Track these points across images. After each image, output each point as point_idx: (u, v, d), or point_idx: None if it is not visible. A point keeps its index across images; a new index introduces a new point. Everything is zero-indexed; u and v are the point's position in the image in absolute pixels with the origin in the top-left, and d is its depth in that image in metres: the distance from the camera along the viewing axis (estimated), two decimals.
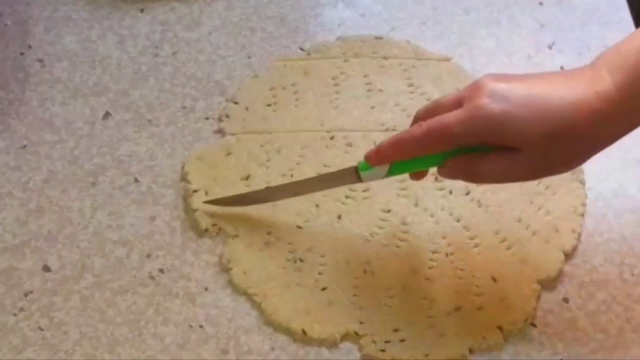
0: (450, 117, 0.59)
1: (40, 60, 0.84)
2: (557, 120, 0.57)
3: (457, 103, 0.60)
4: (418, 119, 0.63)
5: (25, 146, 0.78)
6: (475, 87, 0.59)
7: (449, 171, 0.63)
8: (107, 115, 0.80)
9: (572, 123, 0.57)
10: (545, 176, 0.62)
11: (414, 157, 0.62)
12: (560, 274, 0.70)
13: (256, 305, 0.69)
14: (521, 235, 0.72)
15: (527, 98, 0.58)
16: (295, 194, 0.71)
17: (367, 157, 0.64)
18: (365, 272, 0.70)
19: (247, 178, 0.75)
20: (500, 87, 0.58)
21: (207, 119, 0.80)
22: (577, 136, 0.58)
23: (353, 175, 0.66)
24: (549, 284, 0.70)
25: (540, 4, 0.90)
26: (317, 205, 0.73)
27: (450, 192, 0.74)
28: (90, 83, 0.82)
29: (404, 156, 0.63)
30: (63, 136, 0.78)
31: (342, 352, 0.67)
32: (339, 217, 0.73)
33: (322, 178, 0.70)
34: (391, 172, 0.64)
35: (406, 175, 0.75)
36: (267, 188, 0.72)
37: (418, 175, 0.66)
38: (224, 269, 0.70)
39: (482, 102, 0.58)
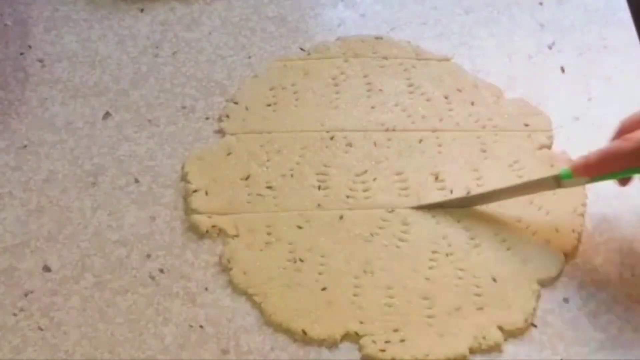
0: None
1: (40, 60, 0.84)
2: None
3: None
4: (623, 129, 0.62)
5: (25, 146, 0.78)
6: None
7: None
8: (107, 115, 0.80)
9: None
10: None
11: (622, 170, 0.63)
12: (560, 274, 0.70)
13: (256, 305, 0.68)
14: (521, 235, 0.72)
15: None
16: (492, 200, 0.72)
17: (575, 170, 0.65)
18: (365, 272, 0.70)
19: (247, 178, 0.75)
20: None
21: (207, 119, 0.80)
22: None
23: (553, 182, 0.68)
24: (549, 284, 0.70)
25: (540, 4, 0.90)
26: (318, 205, 0.73)
27: (451, 192, 0.74)
28: (90, 83, 0.82)
29: (612, 169, 0.63)
30: (63, 136, 0.78)
31: (342, 352, 0.67)
32: (340, 217, 0.73)
33: (522, 186, 0.70)
34: (595, 179, 0.65)
35: (407, 175, 0.75)
36: (465, 197, 0.73)
37: (625, 181, 0.66)
38: (224, 269, 0.70)
39: None
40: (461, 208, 0.73)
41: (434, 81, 0.82)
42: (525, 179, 0.74)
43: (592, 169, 0.64)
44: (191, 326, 0.67)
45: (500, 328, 0.67)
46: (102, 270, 0.70)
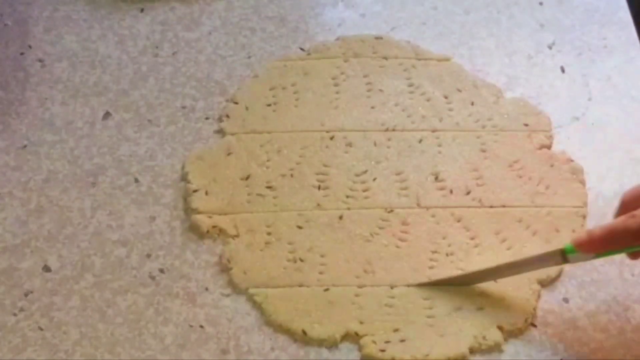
0: None
1: (40, 60, 0.84)
2: None
3: None
4: (624, 204, 0.60)
5: (25, 146, 0.78)
6: None
7: None
8: (107, 115, 0.80)
9: None
10: None
11: (628, 247, 0.60)
12: (560, 274, 0.70)
13: (256, 305, 0.69)
14: (521, 235, 0.72)
15: None
16: (493, 278, 0.68)
17: (578, 245, 0.61)
18: (365, 272, 0.70)
19: (247, 178, 0.75)
20: None
21: (207, 119, 0.80)
22: None
23: (559, 257, 0.63)
24: (549, 284, 0.70)
25: (540, 4, 0.90)
26: (318, 205, 0.73)
27: (451, 192, 0.74)
28: (90, 83, 0.82)
29: (617, 247, 0.60)
30: (63, 136, 0.78)
31: (342, 352, 0.67)
32: (340, 217, 0.73)
33: (524, 262, 0.66)
34: (600, 254, 0.62)
35: (406, 174, 0.75)
36: (467, 274, 0.68)
37: (636, 255, 0.63)
38: (224, 269, 0.70)
39: None
40: (461, 285, 0.69)
41: (434, 81, 0.82)
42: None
43: (596, 246, 0.61)
44: (191, 326, 0.67)
45: (500, 328, 0.67)
46: (102, 270, 0.70)
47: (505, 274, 0.67)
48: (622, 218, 0.59)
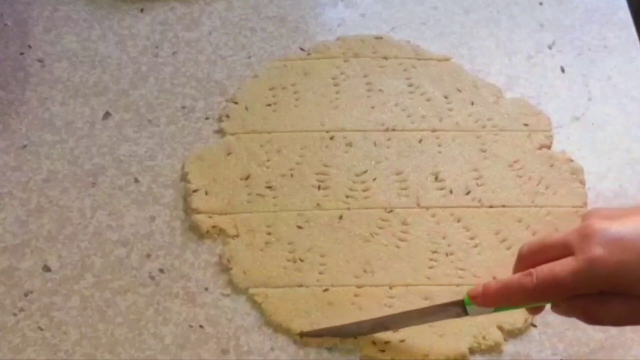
0: (562, 268, 0.55)
1: (40, 60, 0.84)
2: None
3: (565, 247, 0.56)
4: (522, 257, 0.59)
5: (25, 146, 0.78)
6: (586, 233, 0.55)
7: (563, 311, 0.58)
8: (107, 115, 0.80)
9: None
10: None
11: (523, 305, 0.59)
12: None
13: (256, 305, 0.69)
14: (521, 235, 0.72)
15: None
16: (390, 328, 0.66)
17: (472, 298, 0.60)
18: (365, 272, 0.70)
19: (247, 178, 0.75)
20: (612, 232, 0.54)
21: (207, 119, 0.80)
22: None
23: (459, 308, 0.61)
24: None
25: (540, 4, 0.90)
26: (318, 205, 0.73)
27: (451, 192, 0.74)
28: (90, 83, 0.82)
29: (511, 304, 0.59)
30: (63, 136, 0.78)
31: (342, 352, 0.67)
32: (340, 217, 0.73)
33: (424, 311, 0.64)
34: (498, 308, 0.60)
35: (406, 174, 0.75)
36: (361, 322, 0.67)
37: (536, 310, 0.61)
38: (224, 269, 0.70)
39: (595, 253, 0.54)
40: (357, 336, 0.67)
41: (434, 81, 0.82)
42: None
43: (490, 300, 0.59)
44: (191, 326, 0.68)
45: (500, 328, 0.67)
46: (102, 270, 0.70)
47: (404, 324, 0.65)
48: (518, 275, 0.58)
